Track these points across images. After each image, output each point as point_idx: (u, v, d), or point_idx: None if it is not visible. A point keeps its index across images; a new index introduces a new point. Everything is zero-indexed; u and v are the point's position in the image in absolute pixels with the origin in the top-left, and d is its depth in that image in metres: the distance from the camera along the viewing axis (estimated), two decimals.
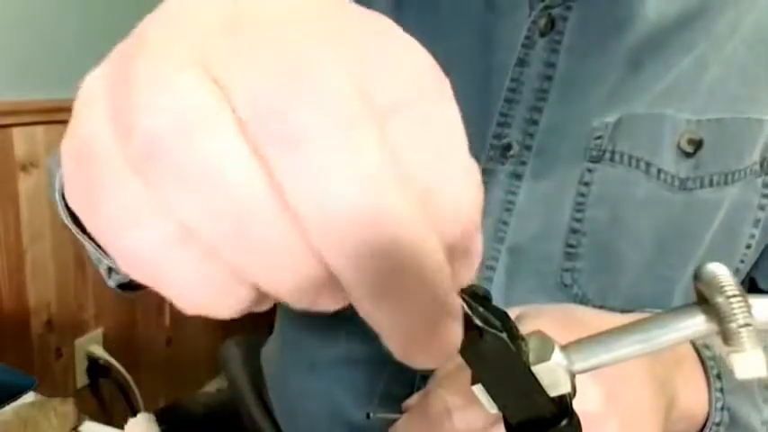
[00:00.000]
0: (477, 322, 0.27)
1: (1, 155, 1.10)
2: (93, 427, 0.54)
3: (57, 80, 1.18)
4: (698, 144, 0.41)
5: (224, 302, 0.15)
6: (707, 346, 0.38)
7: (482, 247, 0.16)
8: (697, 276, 0.25)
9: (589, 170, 0.42)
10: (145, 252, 0.15)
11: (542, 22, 0.43)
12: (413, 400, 0.36)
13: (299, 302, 0.15)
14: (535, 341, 0.27)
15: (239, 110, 0.14)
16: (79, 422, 0.54)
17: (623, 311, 0.42)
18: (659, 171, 0.41)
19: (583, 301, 0.42)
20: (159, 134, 0.14)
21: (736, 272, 0.44)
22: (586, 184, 0.42)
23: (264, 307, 0.16)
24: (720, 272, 0.24)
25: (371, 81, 0.14)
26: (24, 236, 1.16)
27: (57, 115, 1.18)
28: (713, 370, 0.37)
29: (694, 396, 0.37)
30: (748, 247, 0.43)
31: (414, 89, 0.15)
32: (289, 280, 0.15)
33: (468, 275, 0.16)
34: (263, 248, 0.14)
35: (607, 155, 0.41)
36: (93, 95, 0.16)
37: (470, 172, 0.15)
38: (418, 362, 0.15)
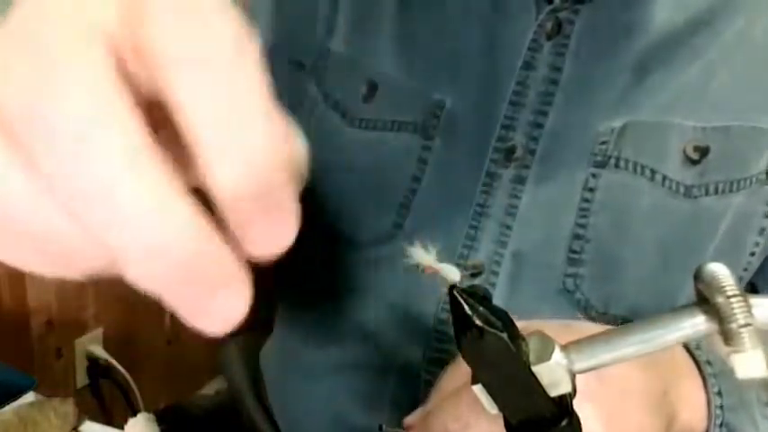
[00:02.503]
0: (478, 322, 0.26)
1: None
2: (93, 427, 0.54)
3: None
4: (704, 151, 0.40)
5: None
6: (709, 363, 0.37)
7: (296, 205, 0.16)
8: (697, 276, 0.25)
9: (593, 176, 0.41)
10: None
11: (549, 25, 0.42)
12: (413, 418, 0.36)
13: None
14: (535, 341, 0.27)
15: None
16: (79, 422, 0.54)
17: (625, 319, 0.42)
18: (664, 178, 0.40)
19: (586, 307, 0.42)
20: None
21: (739, 280, 0.43)
22: (591, 190, 0.41)
23: None
24: (720, 272, 0.24)
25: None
26: None
27: None
28: (714, 387, 0.37)
29: (694, 413, 0.36)
30: (752, 254, 0.43)
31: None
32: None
33: (285, 233, 0.16)
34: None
35: (612, 161, 0.41)
36: None
37: (270, 121, 0.15)
38: (202, 327, 0.16)
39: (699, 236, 0.41)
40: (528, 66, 0.42)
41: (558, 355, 0.26)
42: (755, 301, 0.23)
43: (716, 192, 0.41)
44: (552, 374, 0.26)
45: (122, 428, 0.52)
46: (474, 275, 0.43)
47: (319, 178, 0.49)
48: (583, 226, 0.41)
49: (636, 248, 0.41)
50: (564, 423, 0.27)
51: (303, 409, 0.55)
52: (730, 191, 0.41)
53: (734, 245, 0.42)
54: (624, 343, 0.26)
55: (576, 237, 0.41)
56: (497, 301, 0.42)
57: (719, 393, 0.36)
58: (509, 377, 0.26)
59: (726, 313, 0.23)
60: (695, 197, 0.41)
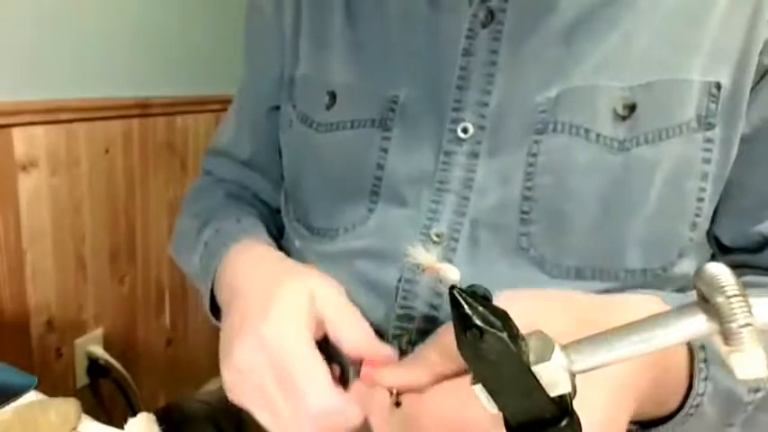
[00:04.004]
0: (478, 322, 0.27)
1: (1, 155, 1.10)
2: (93, 427, 0.54)
3: (56, 80, 1.18)
4: (632, 107, 0.44)
5: None
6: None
7: None
8: (698, 276, 0.25)
9: (536, 142, 0.45)
10: None
11: (482, 14, 0.47)
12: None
13: None
14: (535, 341, 0.27)
15: None
16: (79, 422, 0.54)
17: (578, 269, 0.45)
18: (598, 135, 0.44)
19: (541, 261, 0.45)
20: None
21: (693, 226, 0.46)
22: (534, 155, 0.45)
23: None
24: (720, 272, 0.24)
25: None
26: (24, 236, 1.16)
27: (57, 115, 1.18)
28: (698, 341, 0.38)
29: (677, 370, 0.38)
30: (700, 200, 0.45)
31: None
32: None
33: None
34: None
35: (550, 126, 0.45)
36: None
37: None
38: None
39: (635, 184, 0.44)
40: (467, 53, 0.47)
41: (557, 355, 0.26)
42: (755, 300, 0.23)
43: (646, 141, 0.44)
44: (552, 374, 0.26)
45: (122, 428, 0.52)
46: (436, 243, 0.47)
47: (300, 183, 0.56)
48: (530, 188, 0.45)
49: (579, 202, 0.44)
50: (564, 423, 0.27)
51: None
52: (660, 139, 0.44)
53: (677, 190, 0.45)
54: (624, 343, 0.26)
55: (525, 198, 0.45)
56: (459, 263, 0.45)
57: (702, 347, 0.38)
58: (509, 377, 0.26)
59: (726, 313, 0.23)
60: (627, 149, 0.44)
